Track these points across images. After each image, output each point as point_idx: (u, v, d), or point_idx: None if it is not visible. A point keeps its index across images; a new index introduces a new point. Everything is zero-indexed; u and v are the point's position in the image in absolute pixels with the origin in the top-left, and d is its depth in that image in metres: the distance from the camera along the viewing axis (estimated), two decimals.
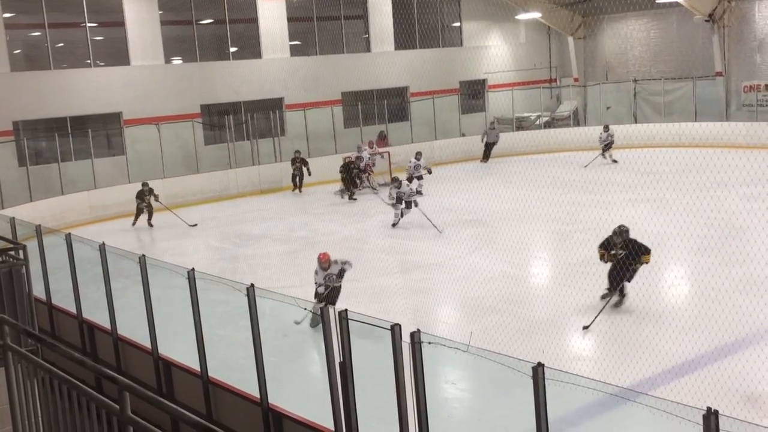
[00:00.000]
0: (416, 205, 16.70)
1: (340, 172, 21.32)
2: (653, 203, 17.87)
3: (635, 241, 10.75)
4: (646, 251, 10.66)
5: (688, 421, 4.29)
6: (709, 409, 4.00)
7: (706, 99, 27.20)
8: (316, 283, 10.44)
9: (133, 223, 18.74)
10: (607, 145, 23.70)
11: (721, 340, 9.21)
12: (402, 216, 16.96)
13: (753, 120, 25.70)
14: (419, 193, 16.86)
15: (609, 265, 11.08)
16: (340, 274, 10.49)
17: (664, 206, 17.62)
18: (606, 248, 10.98)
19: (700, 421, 4.07)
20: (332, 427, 6.14)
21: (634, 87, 28.94)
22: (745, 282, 11.60)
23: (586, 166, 22.86)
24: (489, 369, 6.95)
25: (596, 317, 10.12)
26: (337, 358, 6.16)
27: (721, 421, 3.99)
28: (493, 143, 26.09)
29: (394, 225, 16.94)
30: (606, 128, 24.02)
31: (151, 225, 18.69)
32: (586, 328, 10.06)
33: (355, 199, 20.69)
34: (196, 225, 18.22)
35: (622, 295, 10.98)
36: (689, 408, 4.57)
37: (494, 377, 7.68)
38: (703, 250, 13.90)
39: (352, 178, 20.98)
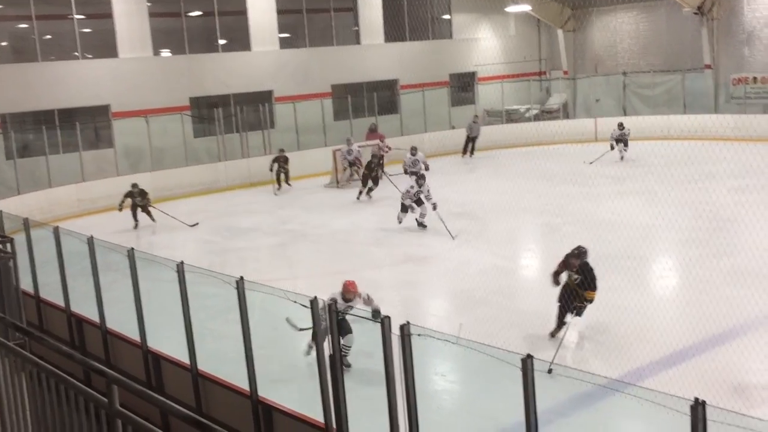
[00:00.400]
0: (435, 208, 15.41)
1: (364, 170, 20.50)
2: (642, 195, 17.93)
3: (590, 269, 9.33)
4: (593, 286, 9.24)
5: (676, 411, 4.32)
6: (696, 399, 4.02)
7: (694, 91, 27.28)
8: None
9: (135, 226, 17.78)
10: (619, 141, 22.88)
11: (709, 332, 9.25)
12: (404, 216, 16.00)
13: (741, 112, 25.81)
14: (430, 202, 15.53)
15: (558, 288, 9.75)
16: (376, 315, 8.45)
17: (652, 198, 17.66)
18: (561, 270, 9.58)
19: (688, 411, 4.09)
20: (322, 420, 6.15)
21: (623, 80, 29.00)
22: (733, 273, 11.66)
23: (591, 162, 22.50)
24: (478, 361, 6.96)
25: (555, 356, 8.49)
26: (327, 351, 6.17)
27: (709, 411, 4.01)
28: (475, 137, 26.02)
29: (400, 221, 16.00)
30: (621, 126, 23.08)
31: (153, 219, 17.88)
32: (550, 371, 8.03)
33: (371, 197, 19.80)
34: (197, 224, 17.75)
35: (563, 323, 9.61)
36: (677, 398, 4.61)
37: (484, 369, 7.70)
38: (691, 241, 13.97)
39: (375, 175, 20.19)
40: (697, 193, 17.88)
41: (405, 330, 5.46)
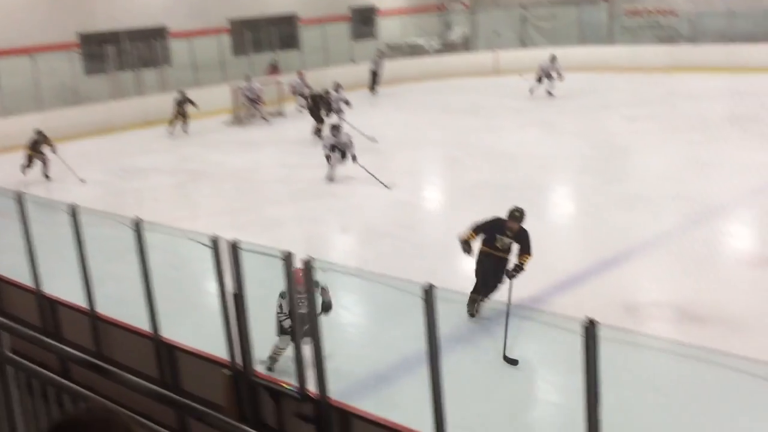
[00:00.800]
0: (354, 159, 14.14)
1: (309, 107, 19.20)
2: (541, 127, 18.33)
3: (528, 234, 7.92)
4: (529, 251, 7.83)
5: (570, 331, 4.50)
6: (588, 319, 4.18)
7: (591, 23, 27.82)
8: (281, 312, 7.14)
9: (25, 171, 15.85)
10: (549, 75, 21.80)
11: (602, 255, 9.63)
12: (334, 166, 14.36)
13: (635, 44, 26.54)
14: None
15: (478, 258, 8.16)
16: (325, 308, 7.03)
17: (550, 129, 18.12)
18: (488, 234, 7.99)
19: (581, 331, 4.24)
20: (227, 357, 6.12)
21: (522, 12, 29.24)
22: (625, 199, 12.13)
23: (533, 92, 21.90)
24: (383, 292, 7.06)
25: (505, 341, 7.24)
26: (230, 290, 6.09)
27: (601, 330, 4.17)
28: (378, 72, 25.79)
29: (330, 179, 14.34)
30: (553, 59, 21.83)
31: (48, 177, 16.05)
32: (515, 362, 7.10)
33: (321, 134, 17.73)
34: (84, 181, 15.72)
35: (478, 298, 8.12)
36: (571, 320, 4.79)
37: (388, 300, 7.82)
38: (586, 170, 14.44)
39: (318, 112, 18.75)
40: (592, 122, 18.48)
41: (308, 264, 5.45)
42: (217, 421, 3.15)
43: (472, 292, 8.02)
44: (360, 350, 7.86)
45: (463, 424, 5.63)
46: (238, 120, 21.62)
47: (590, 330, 4.17)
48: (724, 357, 4.46)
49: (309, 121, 19.33)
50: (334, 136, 14.42)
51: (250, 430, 3.11)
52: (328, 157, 14.29)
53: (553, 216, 12.45)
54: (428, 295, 4.82)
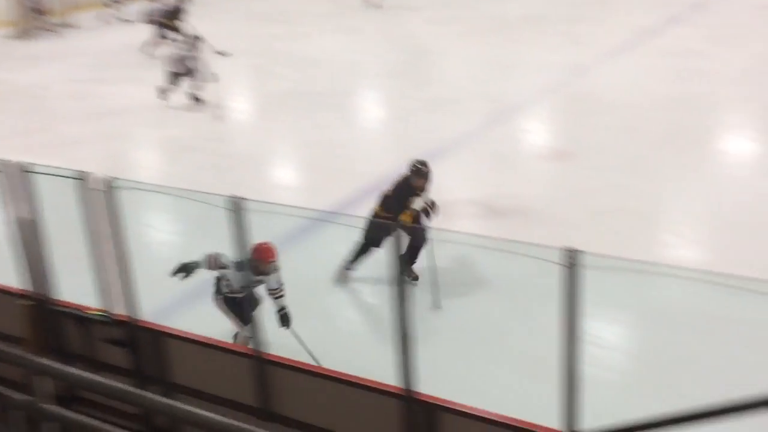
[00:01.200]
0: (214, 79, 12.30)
1: (162, 21, 16.18)
2: (346, 32, 18.23)
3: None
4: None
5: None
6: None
7: None
8: (223, 293, 6.04)
9: None
10: None
11: (410, 157, 9.83)
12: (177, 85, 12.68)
13: None
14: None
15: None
16: (284, 320, 5.84)
17: (356, 34, 18.07)
18: (399, 202, 6.75)
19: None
20: (25, 287, 5.74)
21: None
22: (431, 102, 12.42)
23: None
24: (191, 208, 6.83)
25: (439, 297, 6.65)
26: (24, 216, 5.65)
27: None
28: None
29: (163, 96, 12.81)
30: None
31: None
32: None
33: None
34: None
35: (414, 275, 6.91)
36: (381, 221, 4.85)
37: (197, 215, 7.61)
38: (393, 74, 14.60)
39: (169, 26, 16.03)
40: (397, 27, 18.63)
41: (109, 184, 5.14)
42: (9, 356, 2.93)
43: (353, 258, 6.96)
44: (172, 266, 7.64)
45: (279, 332, 5.67)
46: (23, 32, 19.81)
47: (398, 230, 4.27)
48: (522, 246, 4.72)
49: (107, 33, 18.14)
50: (194, 47, 12.55)
51: (48, 361, 2.92)
52: (175, 75, 12.59)
53: (362, 121, 12.56)
54: (236, 206, 4.72)
